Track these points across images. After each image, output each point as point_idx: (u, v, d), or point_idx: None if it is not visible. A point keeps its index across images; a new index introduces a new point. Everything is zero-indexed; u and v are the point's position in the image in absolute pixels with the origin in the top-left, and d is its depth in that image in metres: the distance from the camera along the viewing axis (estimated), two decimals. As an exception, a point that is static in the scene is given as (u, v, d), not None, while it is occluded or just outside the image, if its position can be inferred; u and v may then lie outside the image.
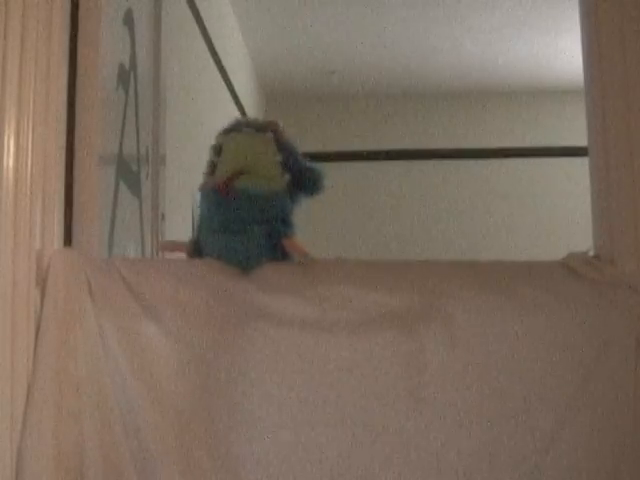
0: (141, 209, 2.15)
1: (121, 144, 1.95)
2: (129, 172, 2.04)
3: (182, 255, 1.48)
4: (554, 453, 1.30)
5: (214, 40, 3.34)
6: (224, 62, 3.63)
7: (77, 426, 1.26)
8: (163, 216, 2.33)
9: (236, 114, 4.01)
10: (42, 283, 1.28)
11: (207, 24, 3.17)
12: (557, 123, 5.34)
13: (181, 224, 2.74)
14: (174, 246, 1.60)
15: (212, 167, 1.42)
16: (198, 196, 1.46)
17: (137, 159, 2.13)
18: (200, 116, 3.15)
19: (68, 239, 1.40)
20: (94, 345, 1.29)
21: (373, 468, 1.31)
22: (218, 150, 1.42)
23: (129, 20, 2.05)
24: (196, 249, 1.43)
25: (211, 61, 3.42)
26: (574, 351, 1.33)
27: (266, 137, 1.40)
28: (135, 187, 2.10)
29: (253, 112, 4.77)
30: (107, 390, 1.29)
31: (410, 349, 1.33)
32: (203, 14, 3.08)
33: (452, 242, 5.07)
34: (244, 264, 1.35)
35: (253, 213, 1.36)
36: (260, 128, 1.41)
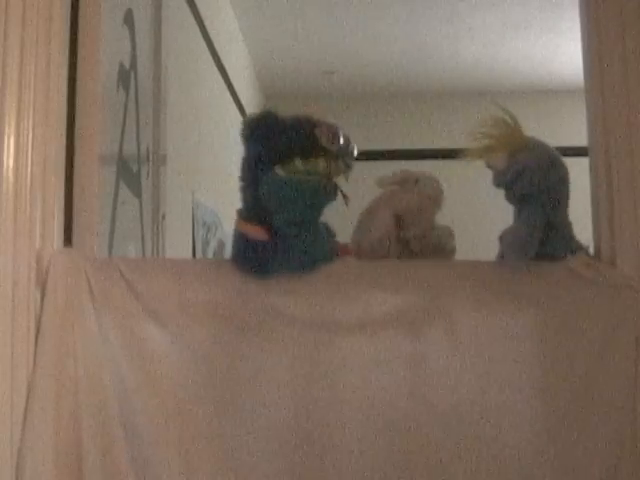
0: (141, 209, 2.15)
1: (121, 144, 1.95)
2: (129, 172, 2.04)
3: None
4: (554, 450, 1.31)
5: (214, 40, 3.34)
6: (224, 62, 3.63)
7: (77, 425, 1.27)
8: (163, 216, 2.33)
9: (236, 114, 4.01)
10: (42, 283, 1.28)
11: (207, 24, 3.17)
12: (557, 123, 5.34)
13: (181, 224, 2.74)
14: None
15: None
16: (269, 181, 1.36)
17: (137, 159, 2.13)
18: (200, 116, 3.14)
19: (68, 239, 1.40)
20: (94, 345, 1.30)
21: (375, 466, 1.31)
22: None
23: (129, 20, 2.05)
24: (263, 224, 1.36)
25: (211, 61, 3.42)
26: (574, 351, 1.33)
27: None
28: (135, 187, 2.10)
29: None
30: (107, 389, 1.29)
31: (412, 348, 1.33)
32: (203, 14, 3.08)
33: (452, 242, 5.05)
34: (310, 265, 1.36)
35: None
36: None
